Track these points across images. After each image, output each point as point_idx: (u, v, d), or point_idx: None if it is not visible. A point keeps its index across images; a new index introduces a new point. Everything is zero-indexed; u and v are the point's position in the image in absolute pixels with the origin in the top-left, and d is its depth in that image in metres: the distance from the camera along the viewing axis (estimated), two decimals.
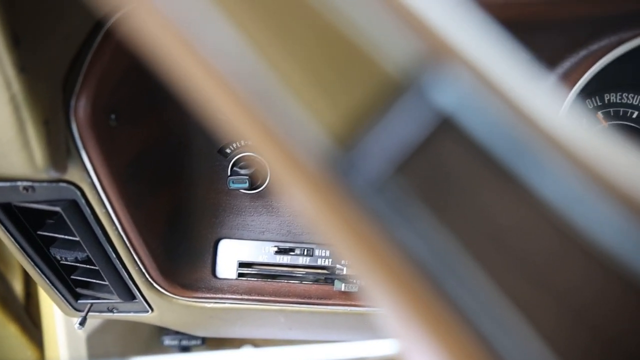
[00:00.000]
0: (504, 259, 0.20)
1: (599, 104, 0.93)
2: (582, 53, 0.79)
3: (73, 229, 0.69)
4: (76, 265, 0.77)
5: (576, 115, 0.23)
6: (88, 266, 0.76)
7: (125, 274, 0.79)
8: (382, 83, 0.19)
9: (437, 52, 0.20)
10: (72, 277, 0.80)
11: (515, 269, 0.20)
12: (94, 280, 0.80)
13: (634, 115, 0.92)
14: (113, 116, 0.65)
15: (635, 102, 0.92)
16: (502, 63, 0.20)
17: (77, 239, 0.70)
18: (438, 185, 0.19)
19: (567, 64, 0.81)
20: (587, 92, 0.92)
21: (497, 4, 0.69)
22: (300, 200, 0.20)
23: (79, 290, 0.83)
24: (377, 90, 0.19)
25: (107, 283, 0.80)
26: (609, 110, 0.93)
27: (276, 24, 0.19)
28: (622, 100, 0.93)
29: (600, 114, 0.92)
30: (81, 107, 0.59)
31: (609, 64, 0.78)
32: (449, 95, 0.19)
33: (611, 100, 0.93)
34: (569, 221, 0.20)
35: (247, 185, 0.86)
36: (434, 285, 0.20)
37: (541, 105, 0.20)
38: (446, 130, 0.19)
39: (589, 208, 0.20)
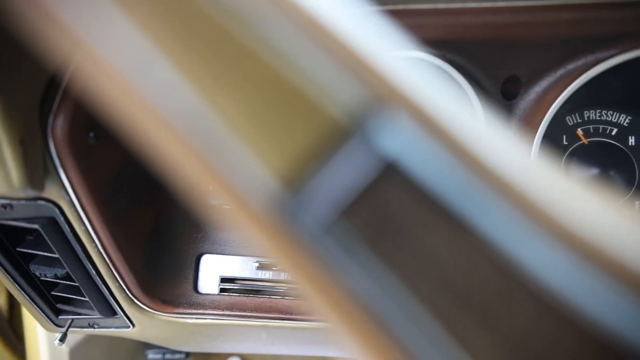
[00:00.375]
0: (448, 299, 0.21)
1: (579, 120, 0.94)
2: (560, 72, 0.80)
3: (52, 246, 0.69)
4: (56, 282, 0.77)
5: (525, 154, 0.23)
6: (68, 282, 0.76)
7: (106, 290, 0.79)
8: (327, 128, 0.20)
9: (382, 97, 0.20)
10: (53, 293, 0.80)
11: (459, 309, 0.21)
12: (75, 297, 0.80)
13: (614, 133, 0.93)
14: (92, 134, 0.65)
15: (615, 119, 0.93)
16: (446, 106, 0.21)
17: (57, 255, 0.70)
18: (383, 229, 0.20)
19: (545, 83, 0.82)
20: (568, 109, 0.93)
21: (475, 24, 0.70)
22: (252, 240, 0.21)
23: (59, 306, 0.83)
24: (322, 135, 0.20)
25: (87, 299, 0.79)
26: (589, 127, 0.94)
27: (223, 70, 0.20)
28: (602, 118, 0.94)
29: (580, 131, 0.93)
30: (59, 126, 0.59)
31: (588, 81, 0.79)
32: (392, 140, 0.20)
33: (591, 117, 0.94)
34: (512, 262, 0.21)
35: None
36: (381, 325, 0.21)
37: (485, 147, 0.21)
38: (390, 175, 0.19)
39: (533, 249, 0.21)
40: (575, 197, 0.21)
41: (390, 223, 0.20)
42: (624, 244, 0.20)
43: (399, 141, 0.20)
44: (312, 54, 0.20)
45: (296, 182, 0.20)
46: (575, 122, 0.94)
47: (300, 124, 0.20)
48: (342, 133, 0.20)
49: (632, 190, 0.90)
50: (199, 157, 0.20)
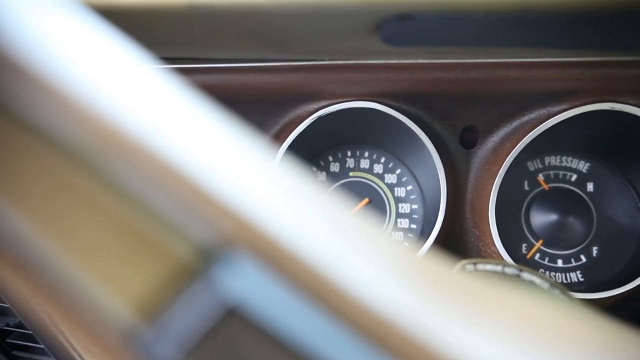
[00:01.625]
0: None
1: (540, 166, 0.95)
2: (515, 123, 0.81)
3: (2, 296, 0.69)
4: (10, 330, 0.77)
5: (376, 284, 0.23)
6: (22, 330, 0.76)
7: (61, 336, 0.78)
8: (172, 269, 0.20)
9: (228, 238, 0.21)
10: (7, 340, 0.80)
11: None
12: (30, 344, 0.80)
13: (573, 179, 0.94)
14: None
15: (574, 165, 0.94)
16: (295, 245, 0.21)
17: (7, 305, 0.70)
18: None
19: (502, 133, 0.83)
20: (529, 154, 0.94)
21: (426, 79, 0.71)
22: None
23: (15, 352, 0.83)
24: (168, 276, 0.20)
25: (43, 346, 0.79)
26: (550, 173, 0.95)
27: (67, 211, 0.20)
28: (562, 164, 0.95)
29: (541, 177, 0.95)
30: None
31: (545, 130, 0.80)
32: (237, 281, 0.20)
33: (551, 163, 0.96)
34: None
35: None
36: None
37: (338, 285, 0.21)
38: (234, 316, 0.20)
39: None
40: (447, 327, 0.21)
41: None
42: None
43: (243, 282, 0.20)
44: (162, 193, 0.21)
45: (142, 323, 0.20)
46: (536, 167, 0.96)
47: (145, 263, 0.20)
48: (187, 274, 0.20)
49: (590, 236, 0.91)
50: (48, 296, 0.20)
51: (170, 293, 0.20)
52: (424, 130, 0.80)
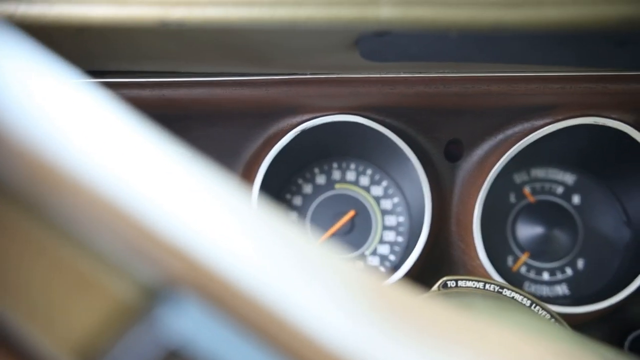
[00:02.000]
0: None
1: (526, 178, 0.95)
2: (499, 137, 0.81)
3: None
4: None
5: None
6: None
7: None
8: (114, 309, 0.20)
9: (173, 278, 0.20)
10: None
11: None
12: None
13: (559, 191, 0.93)
14: None
15: (560, 177, 0.94)
16: (242, 284, 0.21)
17: None
18: None
19: (486, 146, 0.82)
20: (515, 167, 0.94)
21: (408, 94, 0.71)
22: None
23: None
24: (109, 317, 0.20)
25: None
26: (535, 186, 0.95)
27: (3, 246, 0.20)
28: (548, 176, 0.95)
29: (527, 189, 0.94)
30: None
31: (530, 144, 0.80)
32: (183, 322, 0.20)
33: (538, 176, 0.95)
34: None
35: None
36: None
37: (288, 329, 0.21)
38: (178, 358, 0.19)
39: None
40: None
41: None
42: None
43: (187, 323, 0.20)
44: (100, 235, 0.20)
45: None
46: (522, 179, 0.95)
47: (86, 306, 0.20)
48: (129, 315, 0.20)
49: (575, 249, 0.91)
50: None
51: (111, 335, 0.20)
52: (407, 144, 0.80)
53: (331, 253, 0.25)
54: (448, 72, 0.68)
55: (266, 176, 0.85)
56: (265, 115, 0.81)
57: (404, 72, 0.69)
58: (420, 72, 0.69)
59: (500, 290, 0.64)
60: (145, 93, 0.71)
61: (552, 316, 0.62)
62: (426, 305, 0.26)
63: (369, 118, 0.79)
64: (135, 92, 0.71)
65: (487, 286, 0.64)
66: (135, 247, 0.21)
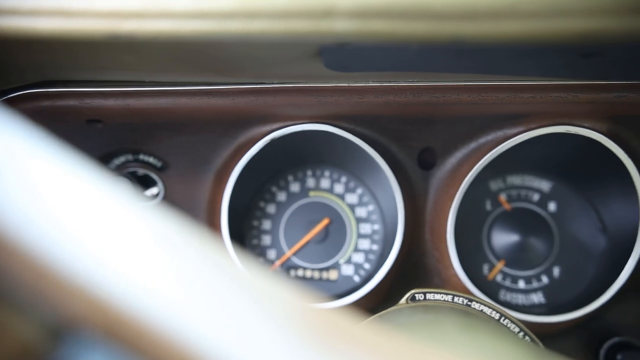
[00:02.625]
0: None
1: (502, 186, 0.94)
2: (472, 145, 0.80)
3: None
4: None
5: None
6: None
7: None
8: (17, 352, 0.19)
9: (75, 319, 0.19)
10: None
11: None
12: None
13: (535, 198, 0.93)
14: None
15: (537, 184, 0.93)
16: (145, 322, 0.19)
17: None
18: None
19: (459, 154, 0.81)
20: (491, 173, 0.93)
21: (377, 103, 0.70)
22: None
23: None
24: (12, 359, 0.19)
25: None
26: (511, 193, 0.94)
27: None
28: (524, 183, 0.94)
29: (503, 196, 0.93)
30: None
31: (504, 152, 0.79)
32: None
33: (514, 183, 0.95)
34: None
35: None
36: None
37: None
38: None
39: None
40: None
41: None
42: None
43: None
44: (5, 281, 0.19)
45: None
46: (498, 187, 0.95)
47: None
48: (32, 357, 0.18)
49: (551, 257, 0.90)
50: None
51: None
52: (379, 152, 0.79)
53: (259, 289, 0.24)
54: (417, 82, 0.67)
55: (238, 184, 0.83)
56: (235, 123, 0.80)
57: (373, 82, 0.68)
58: (389, 82, 0.68)
59: (469, 303, 0.63)
60: (109, 102, 0.69)
61: (520, 329, 0.61)
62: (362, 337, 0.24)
63: (339, 127, 0.78)
64: (98, 102, 0.69)
65: (456, 299, 0.63)
66: (37, 290, 0.19)
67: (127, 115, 0.72)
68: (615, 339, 0.85)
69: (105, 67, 0.60)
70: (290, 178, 0.95)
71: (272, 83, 0.68)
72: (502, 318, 0.62)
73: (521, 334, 0.61)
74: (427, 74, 0.65)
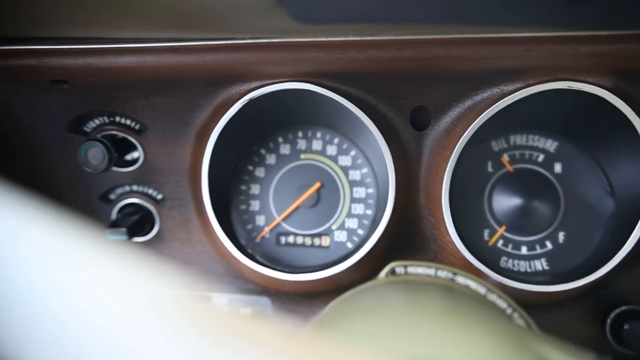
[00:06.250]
0: None
1: (505, 146, 0.88)
2: (467, 103, 0.73)
3: None
4: None
5: None
6: None
7: None
8: None
9: None
10: None
11: None
12: None
13: (540, 159, 0.86)
14: None
15: (542, 144, 0.87)
16: None
17: None
18: None
19: (453, 113, 0.75)
20: (492, 133, 0.87)
21: (359, 59, 0.64)
22: None
23: None
24: None
25: None
26: (515, 153, 0.88)
27: None
28: (528, 143, 0.88)
29: (505, 157, 0.87)
30: None
31: (501, 110, 0.72)
32: None
33: (517, 143, 0.88)
34: None
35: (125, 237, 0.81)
36: None
37: None
38: None
39: None
40: None
41: None
42: None
43: None
44: None
45: None
46: (501, 147, 0.88)
47: None
48: None
49: (556, 221, 0.85)
50: None
51: None
52: (365, 112, 0.73)
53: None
54: (401, 35, 0.61)
55: (220, 146, 0.79)
56: (212, 83, 0.74)
57: (352, 35, 0.62)
58: (370, 35, 0.62)
59: (453, 277, 0.58)
60: (69, 61, 0.65)
61: (508, 304, 0.56)
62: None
63: (322, 85, 0.72)
64: (57, 60, 0.65)
65: (439, 272, 0.58)
66: None
67: (92, 75, 0.67)
68: (622, 308, 0.79)
69: (65, 22, 0.56)
70: (280, 140, 0.90)
71: (244, 39, 0.63)
72: (489, 292, 0.57)
73: (509, 309, 0.56)
74: (412, 27, 0.58)
